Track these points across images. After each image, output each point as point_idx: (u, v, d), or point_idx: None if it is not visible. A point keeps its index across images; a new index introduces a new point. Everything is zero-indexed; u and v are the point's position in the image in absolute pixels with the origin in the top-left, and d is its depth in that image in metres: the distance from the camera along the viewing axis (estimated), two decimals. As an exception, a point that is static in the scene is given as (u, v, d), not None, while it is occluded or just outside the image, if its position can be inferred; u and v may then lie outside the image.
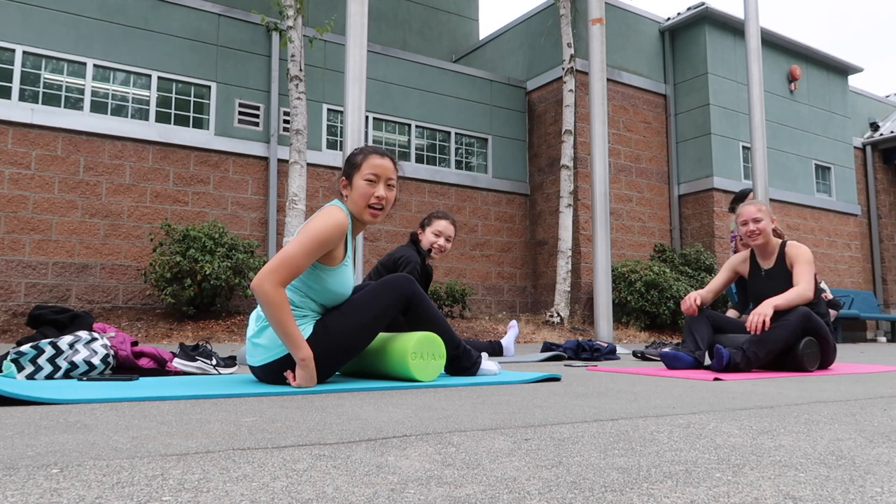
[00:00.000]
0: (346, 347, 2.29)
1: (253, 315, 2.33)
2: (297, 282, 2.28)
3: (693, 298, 3.49)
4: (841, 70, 12.21)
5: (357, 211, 2.35)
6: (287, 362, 2.23)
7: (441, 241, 3.89)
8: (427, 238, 3.91)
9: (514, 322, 4.55)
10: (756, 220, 3.59)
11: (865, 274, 12.76)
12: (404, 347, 2.42)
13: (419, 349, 2.40)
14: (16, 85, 6.95)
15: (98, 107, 7.35)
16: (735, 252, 7.03)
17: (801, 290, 3.37)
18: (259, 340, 2.26)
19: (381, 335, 2.59)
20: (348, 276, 2.33)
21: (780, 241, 3.68)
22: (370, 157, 2.35)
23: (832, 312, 7.10)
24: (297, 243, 2.16)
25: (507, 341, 4.34)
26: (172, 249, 6.55)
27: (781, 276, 3.58)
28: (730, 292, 8.53)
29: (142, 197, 7.46)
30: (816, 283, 3.53)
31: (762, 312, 3.20)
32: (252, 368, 2.34)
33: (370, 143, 9.02)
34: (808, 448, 1.23)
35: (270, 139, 8.20)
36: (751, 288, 3.72)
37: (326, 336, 2.25)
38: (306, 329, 2.25)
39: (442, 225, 3.92)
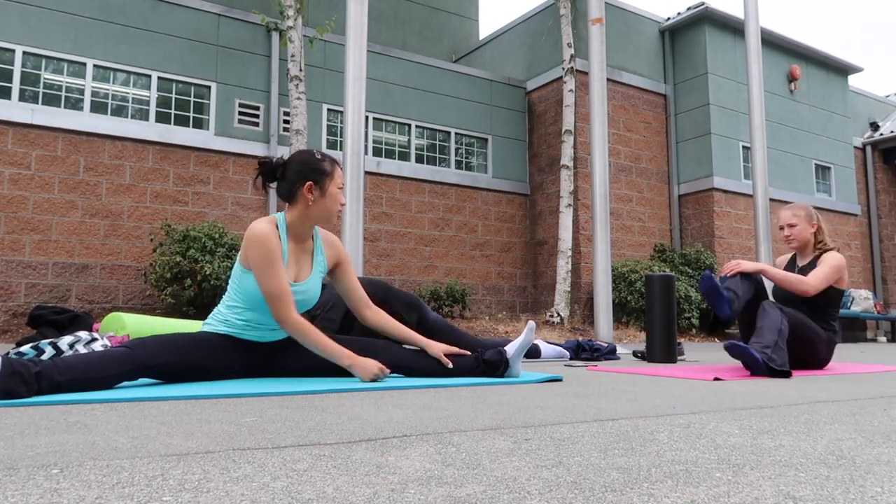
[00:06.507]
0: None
1: None
2: (237, 297, 2.39)
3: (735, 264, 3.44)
4: (841, 70, 12.20)
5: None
6: None
7: None
8: None
9: (566, 353, 4.34)
10: (791, 226, 3.68)
11: (865, 274, 12.76)
12: None
13: None
14: (16, 85, 6.95)
15: (98, 107, 7.35)
16: None
17: (803, 279, 3.37)
18: None
19: None
20: None
21: (821, 247, 3.66)
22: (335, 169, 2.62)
23: None
24: (263, 277, 2.30)
25: (547, 352, 4.22)
26: (172, 249, 6.55)
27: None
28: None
29: (142, 197, 7.46)
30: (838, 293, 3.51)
31: (741, 264, 3.32)
32: None
33: (370, 143, 9.02)
34: (808, 448, 1.23)
35: (270, 139, 8.20)
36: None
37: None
38: (219, 328, 2.38)
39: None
